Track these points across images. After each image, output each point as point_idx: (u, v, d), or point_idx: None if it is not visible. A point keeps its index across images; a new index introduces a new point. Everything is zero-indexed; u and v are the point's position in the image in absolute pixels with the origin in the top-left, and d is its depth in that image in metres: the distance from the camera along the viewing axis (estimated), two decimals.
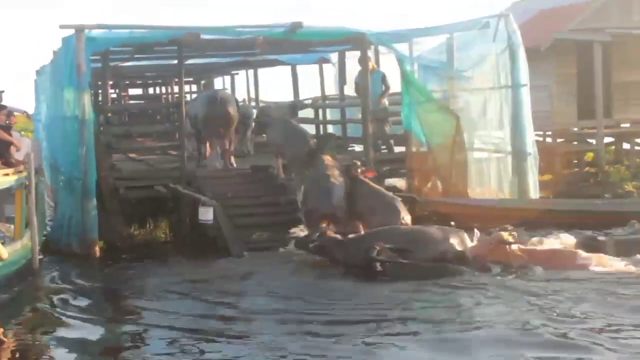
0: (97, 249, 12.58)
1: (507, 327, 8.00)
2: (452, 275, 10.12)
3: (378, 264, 10.21)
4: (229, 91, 22.29)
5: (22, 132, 22.93)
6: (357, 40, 14.78)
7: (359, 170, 12.78)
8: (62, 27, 12.92)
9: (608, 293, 9.12)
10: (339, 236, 11.11)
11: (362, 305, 9.13)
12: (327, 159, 12.70)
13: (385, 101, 15.91)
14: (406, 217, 11.99)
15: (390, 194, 12.55)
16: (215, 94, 15.64)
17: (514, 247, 10.69)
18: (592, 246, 10.95)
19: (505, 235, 10.79)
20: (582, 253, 10.56)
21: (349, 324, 8.42)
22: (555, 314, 8.38)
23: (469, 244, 10.92)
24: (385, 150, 16.21)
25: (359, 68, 15.26)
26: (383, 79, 15.69)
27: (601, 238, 11.17)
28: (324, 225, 11.68)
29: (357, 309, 8.98)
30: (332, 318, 8.70)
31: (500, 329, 7.99)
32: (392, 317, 8.57)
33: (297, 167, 13.13)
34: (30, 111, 20.17)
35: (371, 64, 15.53)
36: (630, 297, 8.97)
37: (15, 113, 15.61)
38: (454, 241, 10.77)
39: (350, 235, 11.16)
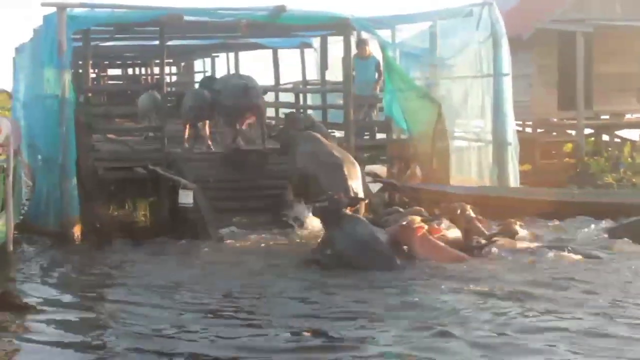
0: (75, 229, 12.48)
1: None
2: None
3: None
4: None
5: None
6: (340, 26, 14.71)
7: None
8: (43, 4, 12.75)
9: None
10: None
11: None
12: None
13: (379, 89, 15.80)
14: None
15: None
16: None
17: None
18: None
19: (416, 220, 10.49)
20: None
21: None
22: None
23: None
24: (368, 137, 16.17)
25: (341, 53, 15.18)
26: (377, 66, 15.51)
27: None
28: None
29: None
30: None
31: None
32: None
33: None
34: (8, 89, 20.01)
35: (368, 49, 15.53)
36: None
37: None
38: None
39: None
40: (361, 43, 15.63)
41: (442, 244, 10.49)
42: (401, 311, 8.27)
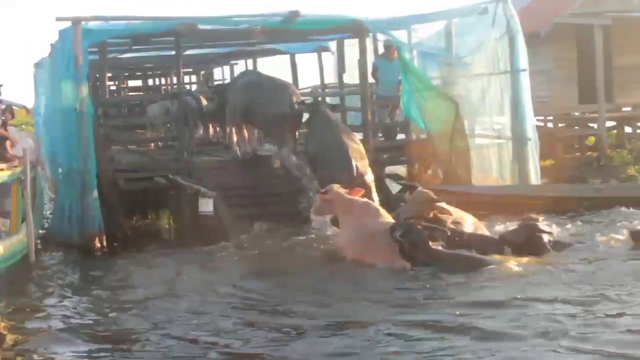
0: (98, 241, 12.53)
1: None
2: None
3: None
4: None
5: (23, 126, 22.98)
6: (355, 28, 14.71)
7: None
8: (58, 19, 12.84)
9: None
10: None
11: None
12: None
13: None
14: None
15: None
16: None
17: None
18: None
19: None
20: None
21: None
22: None
23: None
24: (383, 138, 16.13)
25: (357, 56, 15.17)
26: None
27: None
28: None
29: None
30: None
31: None
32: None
33: None
34: (29, 104, 20.14)
35: (396, 51, 15.51)
36: None
37: (15, 107, 15.57)
38: None
39: None
40: (390, 45, 15.58)
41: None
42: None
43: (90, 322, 8.79)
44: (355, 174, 12.16)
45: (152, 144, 17.21)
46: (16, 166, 11.40)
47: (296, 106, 13.70)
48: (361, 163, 12.50)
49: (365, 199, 10.95)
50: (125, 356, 7.56)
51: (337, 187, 10.85)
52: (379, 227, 10.22)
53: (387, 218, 10.57)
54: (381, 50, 16.44)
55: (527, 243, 10.11)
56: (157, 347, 7.72)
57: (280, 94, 13.80)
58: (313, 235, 11.93)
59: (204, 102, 17.30)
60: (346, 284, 9.51)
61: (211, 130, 17.83)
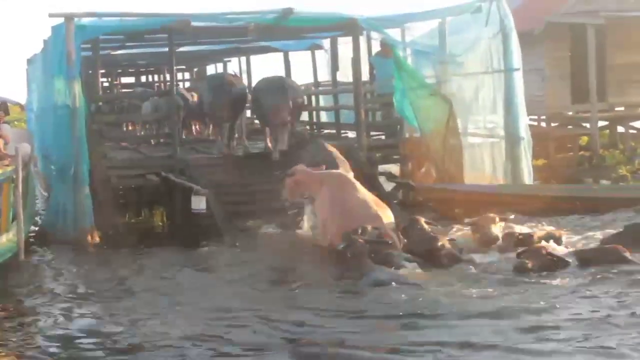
0: (90, 237, 12.48)
1: None
2: None
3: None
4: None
5: (16, 122, 22.92)
6: (348, 26, 14.70)
7: None
8: (51, 15, 12.81)
9: None
10: None
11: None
12: None
13: None
14: None
15: None
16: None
17: None
18: None
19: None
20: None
21: None
22: None
23: None
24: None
25: (351, 54, 15.16)
26: None
27: None
28: None
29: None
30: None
31: None
32: None
33: None
34: (22, 101, 20.10)
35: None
36: None
37: (9, 104, 15.56)
38: None
39: None
40: (386, 43, 15.56)
41: None
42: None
43: (80, 320, 8.72)
44: (289, 100, 14.00)
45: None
46: (7, 165, 11.33)
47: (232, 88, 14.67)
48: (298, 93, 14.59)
49: (337, 171, 11.01)
50: (115, 348, 7.53)
51: (301, 167, 10.88)
52: (357, 200, 10.41)
53: (363, 190, 10.70)
54: (376, 48, 16.42)
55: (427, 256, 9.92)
56: (147, 342, 7.69)
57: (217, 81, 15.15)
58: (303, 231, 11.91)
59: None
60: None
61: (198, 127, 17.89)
